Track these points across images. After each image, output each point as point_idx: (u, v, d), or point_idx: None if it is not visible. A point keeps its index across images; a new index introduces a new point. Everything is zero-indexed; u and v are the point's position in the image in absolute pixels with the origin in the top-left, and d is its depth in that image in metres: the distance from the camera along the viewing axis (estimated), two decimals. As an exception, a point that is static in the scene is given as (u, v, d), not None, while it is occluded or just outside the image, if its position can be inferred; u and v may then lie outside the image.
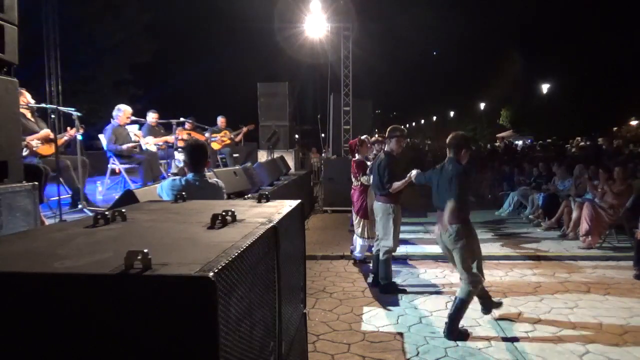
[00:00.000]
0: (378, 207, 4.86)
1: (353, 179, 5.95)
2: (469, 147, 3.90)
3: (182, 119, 7.73)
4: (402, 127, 5.21)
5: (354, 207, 5.95)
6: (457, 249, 3.71)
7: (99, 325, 0.89)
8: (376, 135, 7.47)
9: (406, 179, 4.54)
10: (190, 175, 3.23)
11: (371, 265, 5.88)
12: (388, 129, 4.96)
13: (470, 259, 3.73)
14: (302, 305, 1.98)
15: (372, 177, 5.76)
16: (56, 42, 9.71)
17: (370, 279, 5.31)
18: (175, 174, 3.68)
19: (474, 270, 3.75)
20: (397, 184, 4.61)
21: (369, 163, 6.10)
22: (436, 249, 6.45)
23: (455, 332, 3.71)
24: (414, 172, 4.42)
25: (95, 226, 1.46)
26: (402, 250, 6.14)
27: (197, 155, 3.29)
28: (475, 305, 4.42)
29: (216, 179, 3.50)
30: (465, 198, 3.81)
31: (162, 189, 3.27)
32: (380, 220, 4.83)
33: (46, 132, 4.98)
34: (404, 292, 4.82)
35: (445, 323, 3.77)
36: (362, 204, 5.79)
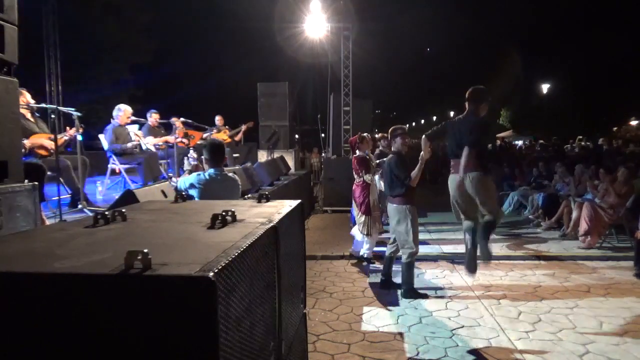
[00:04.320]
0: (393, 209, 4.73)
1: (355, 176, 5.95)
2: (488, 100, 4.19)
3: (174, 120, 7.66)
4: (402, 125, 5.21)
5: (355, 203, 5.96)
6: (480, 193, 3.98)
7: (99, 325, 0.89)
8: (380, 134, 7.52)
9: (419, 163, 4.52)
10: (211, 171, 3.61)
11: (371, 265, 5.91)
12: (390, 130, 4.97)
13: (493, 197, 4.10)
14: (302, 305, 1.98)
15: (378, 179, 5.77)
16: (56, 42, 9.72)
17: (369, 279, 5.31)
18: (190, 171, 3.95)
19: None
20: (414, 173, 4.58)
21: (378, 161, 6.12)
22: (436, 249, 6.48)
23: (488, 250, 4.17)
24: (423, 144, 4.50)
25: (95, 226, 1.46)
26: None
27: (217, 152, 3.72)
28: (475, 305, 4.44)
29: (233, 174, 3.85)
30: (486, 147, 4.17)
31: (186, 183, 3.61)
32: (398, 223, 4.70)
33: (46, 143, 4.90)
34: (426, 297, 4.67)
35: (480, 249, 4.14)
36: (364, 200, 5.80)
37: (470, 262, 4.23)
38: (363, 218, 5.80)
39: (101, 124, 7.64)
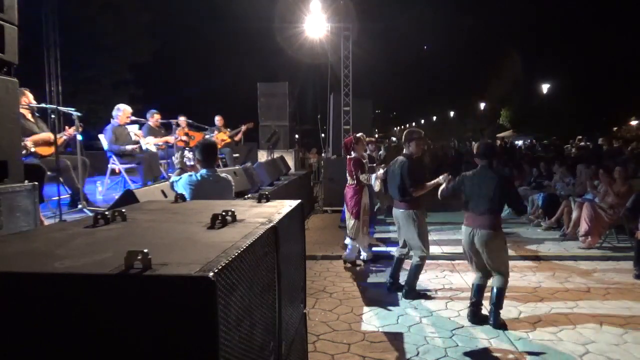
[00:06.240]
0: (399, 214, 4.69)
1: (348, 177, 5.91)
2: (497, 154, 4.24)
3: (181, 119, 7.76)
4: (419, 129, 5.11)
5: (346, 205, 5.92)
6: (492, 249, 3.91)
7: (99, 325, 0.89)
8: (367, 138, 7.53)
9: (435, 181, 4.50)
10: (203, 171, 3.53)
11: (370, 266, 5.91)
12: (405, 132, 4.91)
13: (502, 257, 3.99)
14: (302, 305, 1.98)
15: (374, 179, 5.74)
16: (56, 42, 9.70)
17: (369, 280, 5.31)
18: (181, 170, 3.86)
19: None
20: (428, 185, 4.55)
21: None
22: (436, 250, 6.47)
23: (500, 319, 3.96)
24: (442, 177, 4.45)
25: (95, 226, 1.46)
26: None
27: (209, 152, 3.64)
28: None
29: (226, 174, 3.75)
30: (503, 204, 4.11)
31: (178, 185, 3.54)
32: (404, 228, 4.68)
33: (46, 136, 4.94)
34: (426, 297, 4.68)
35: (491, 314, 3.98)
36: (356, 203, 5.76)
37: (473, 317, 4.08)
38: (352, 221, 5.78)
39: (101, 124, 7.64)
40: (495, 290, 3.95)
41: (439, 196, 4.40)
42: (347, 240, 5.91)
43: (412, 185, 4.52)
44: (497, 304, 3.94)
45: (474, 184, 4.03)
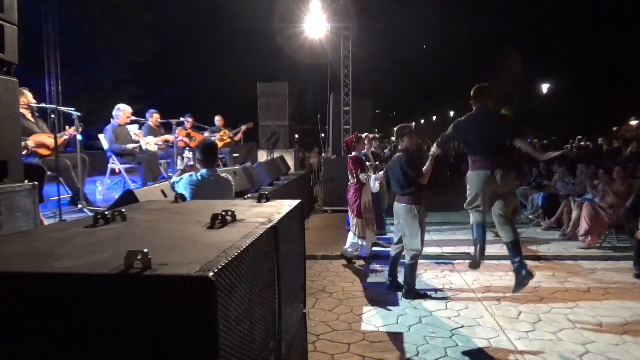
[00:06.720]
0: (401, 209, 4.68)
1: (349, 176, 5.94)
2: (491, 96, 4.41)
3: (181, 119, 7.77)
4: (409, 124, 5.14)
5: (349, 204, 5.95)
6: (508, 185, 4.08)
7: (99, 325, 0.89)
8: (376, 134, 7.53)
9: (429, 160, 4.52)
10: (204, 171, 3.55)
11: (370, 265, 5.92)
12: (397, 129, 4.93)
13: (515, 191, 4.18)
14: (302, 305, 1.98)
15: (373, 180, 5.74)
16: (56, 42, 9.71)
17: (369, 280, 5.30)
18: (183, 171, 3.87)
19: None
20: (425, 169, 4.55)
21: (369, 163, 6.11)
22: (436, 250, 6.47)
23: (525, 264, 4.07)
24: (434, 147, 4.52)
25: (95, 226, 1.46)
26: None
27: (210, 152, 3.66)
28: (475, 305, 4.44)
29: (226, 174, 3.77)
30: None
31: (179, 186, 3.55)
32: (405, 223, 4.65)
33: (43, 140, 4.91)
34: (426, 297, 4.67)
35: (517, 261, 4.10)
36: (356, 201, 5.78)
37: (479, 254, 4.19)
38: (355, 220, 5.78)
39: (101, 124, 7.65)
40: (510, 245, 4.10)
41: (435, 146, 4.49)
42: (351, 237, 5.92)
43: (418, 175, 4.54)
44: (518, 255, 4.07)
45: (473, 127, 4.11)
